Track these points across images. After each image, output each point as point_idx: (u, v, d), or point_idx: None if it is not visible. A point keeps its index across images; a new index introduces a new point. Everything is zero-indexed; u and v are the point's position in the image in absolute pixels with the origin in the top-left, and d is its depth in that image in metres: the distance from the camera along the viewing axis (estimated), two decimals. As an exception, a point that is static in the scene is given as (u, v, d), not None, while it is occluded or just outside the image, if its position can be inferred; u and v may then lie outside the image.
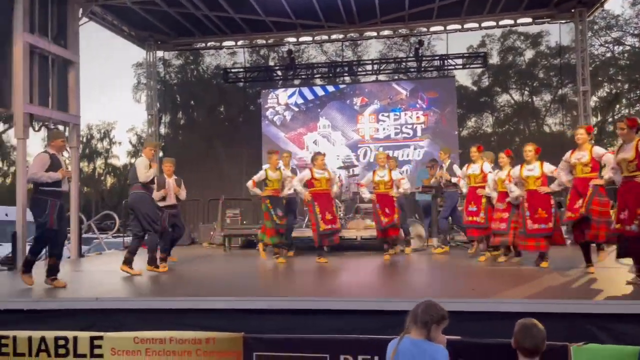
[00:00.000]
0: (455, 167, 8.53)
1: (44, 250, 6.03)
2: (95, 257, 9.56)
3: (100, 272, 7.08)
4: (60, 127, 9.30)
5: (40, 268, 6.96)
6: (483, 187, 7.28)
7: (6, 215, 13.12)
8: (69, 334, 4.03)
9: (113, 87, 55.08)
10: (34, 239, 5.82)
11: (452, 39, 12.72)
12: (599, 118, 23.24)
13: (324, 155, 7.55)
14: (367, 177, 8.30)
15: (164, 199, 7.27)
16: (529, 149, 6.31)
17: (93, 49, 23.10)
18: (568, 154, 5.80)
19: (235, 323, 4.28)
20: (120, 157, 34.27)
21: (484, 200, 7.26)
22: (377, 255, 8.49)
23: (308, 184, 7.48)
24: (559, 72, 19.33)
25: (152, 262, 6.65)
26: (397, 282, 6.08)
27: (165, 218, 7.08)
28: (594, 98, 22.85)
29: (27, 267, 5.71)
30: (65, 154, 6.29)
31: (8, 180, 27.62)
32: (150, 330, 4.09)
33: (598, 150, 5.60)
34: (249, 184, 7.61)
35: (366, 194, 7.92)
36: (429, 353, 2.86)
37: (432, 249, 8.87)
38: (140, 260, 6.61)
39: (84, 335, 4.02)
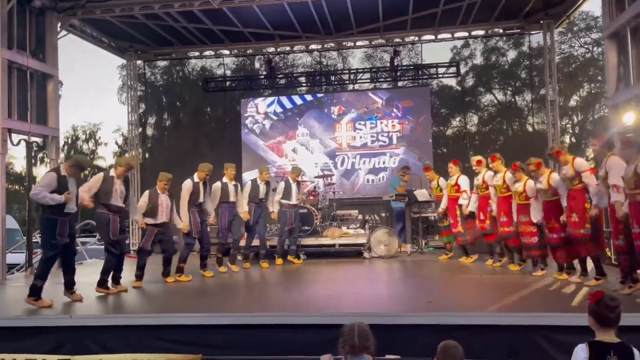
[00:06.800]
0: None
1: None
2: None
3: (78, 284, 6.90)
4: (39, 140, 9.50)
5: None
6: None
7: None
8: (39, 357, 4.28)
9: (98, 88, 54.56)
10: (41, 261, 5.70)
11: (434, 43, 12.84)
12: (580, 117, 23.73)
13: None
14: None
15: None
16: None
17: (77, 52, 22.96)
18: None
19: (198, 337, 4.73)
20: (106, 158, 33.71)
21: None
22: (352, 264, 8.89)
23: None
24: (539, 72, 19.68)
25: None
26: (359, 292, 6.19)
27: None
28: (575, 97, 23.34)
29: (36, 293, 5.50)
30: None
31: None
32: (119, 349, 4.47)
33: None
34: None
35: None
36: None
37: (406, 255, 9.43)
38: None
39: (52, 358, 4.28)
